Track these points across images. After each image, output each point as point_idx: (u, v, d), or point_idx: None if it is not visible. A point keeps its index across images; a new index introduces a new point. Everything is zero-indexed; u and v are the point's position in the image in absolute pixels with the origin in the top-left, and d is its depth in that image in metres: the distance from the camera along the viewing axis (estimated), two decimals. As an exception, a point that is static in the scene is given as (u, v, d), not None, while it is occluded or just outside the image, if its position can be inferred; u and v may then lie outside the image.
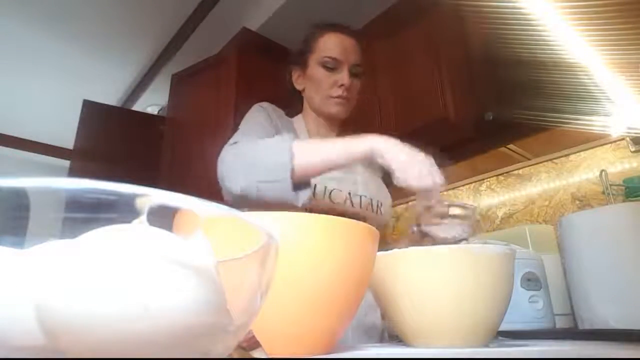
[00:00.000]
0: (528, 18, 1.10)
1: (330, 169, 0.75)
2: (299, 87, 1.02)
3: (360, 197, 0.91)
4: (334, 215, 0.42)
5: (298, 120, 1.02)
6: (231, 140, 0.84)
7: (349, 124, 1.05)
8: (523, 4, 1.09)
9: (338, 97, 0.94)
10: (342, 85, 0.93)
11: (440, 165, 0.75)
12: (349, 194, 0.89)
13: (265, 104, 0.98)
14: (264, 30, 2.06)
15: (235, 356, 0.29)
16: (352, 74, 0.95)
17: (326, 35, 0.97)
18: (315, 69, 0.95)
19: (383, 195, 0.97)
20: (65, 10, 2.11)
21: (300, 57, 1.00)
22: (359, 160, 0.78)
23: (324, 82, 0.94)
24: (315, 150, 0.75)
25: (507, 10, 1.13)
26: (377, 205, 0.94)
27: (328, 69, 0.94)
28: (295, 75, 1.02)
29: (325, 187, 0.86)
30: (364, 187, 0.93)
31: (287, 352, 0.40)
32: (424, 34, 1.59)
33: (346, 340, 0.76)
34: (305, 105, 1.03)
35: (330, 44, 0.96)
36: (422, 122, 1.52)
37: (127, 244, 0.19)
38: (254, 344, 0.35)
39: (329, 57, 0.94)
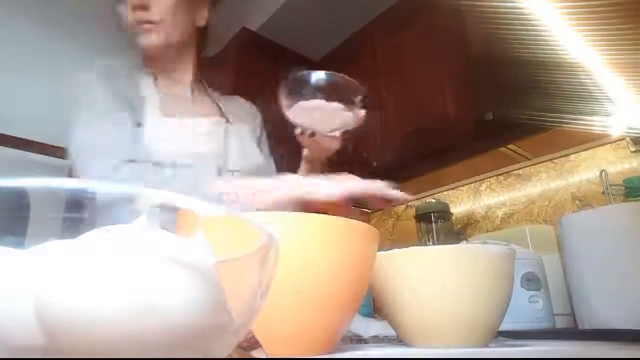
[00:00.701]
0: (528, 18, 1.09)
1: None
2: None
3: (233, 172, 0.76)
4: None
5: (141, 72, 0.84)
6: (97, 168, 0.68)
7: (212, 71, 0.95)
8: (523, 4, 1.09)
9: (138, 23, 0.76)
10: (134, 7, 0.75)
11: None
12: (219, 169, 0.75)
13: (95, 69, 0.79)
14: (264, 30, 2.06)
15: (235, 356, 0.29)
16: None
17: None
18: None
19: (253, 165, 0.81)
20: (65, 10, 2.11)
21: None
22: None
23: (128, 17, 0.78)
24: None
25: (507, 10, 1.13)
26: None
27: (121, 2, 0.78)
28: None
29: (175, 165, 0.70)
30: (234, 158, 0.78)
31: (287, 352, 0.40)
32: (424, 34, 1.59)
33: None
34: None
35: None
36: (422, 122, 1.52)
37: (127, 243, 0.19)
38: (254, 344, 0.35)
39: None
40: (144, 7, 0.74)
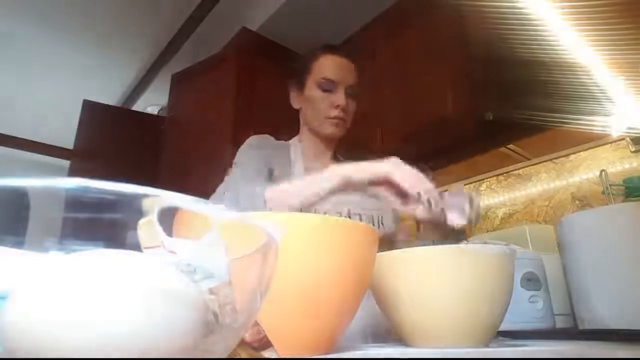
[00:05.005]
0: (529, 18, 1.09)
1: (310, 205, 0.75)
2: (295, 106, 1.03)
3: (360, 215, 0.92)
4: None
5: (294, 143, 1.03)
6: (220, 189, 0.87)
7: (346, 139, 1.05)
8: (523, 4, 1.09)
9: (334, 117, 0.96)
10: (338, 106, 0.95)
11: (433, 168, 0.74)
12: (348, 212, 0.90)
13: (254, 139, 0.98)
14: (264, 30, 2.06)
15: (244, 356, 0.29)
16: (348, 95, 0.96)
17: (322, 56, 0.99)
18: (312, 90, 0.97)
19: (384, 208, 0.97)
20: (65, 10, 2.11)
21: (297, 78, 1.01)
22: (336, 192, 0.75)
23: (321, 103, 0.96)
24: (288, 197, 0.75)
25: (508, 10, 1.13)
26: (379, 220, 0.95)
27: (324, 90, 0.96)
28: (292, 94, 1.03)
29: (316, 210, 0.85)
30: (363, 205, 0.93)
31: (287, 352, 0.40)
32: (425, 34, 1.59)
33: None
34: (302, 124, 1.04)
35: (326, 66, 0.97)
36: (423, 122, 1.52)
37: (112, 270, 0.19)
38: (265, 343, 0.34)
39: (324, 79, 0.96)
40: (343, 109, 0.95)
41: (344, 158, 1.08)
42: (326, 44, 1.02)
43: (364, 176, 0.70)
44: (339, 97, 0.95)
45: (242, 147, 0.97)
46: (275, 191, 0.76)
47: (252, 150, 0.95)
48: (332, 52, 1.00)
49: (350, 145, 1.09)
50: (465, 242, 0.84)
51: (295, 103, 1.03)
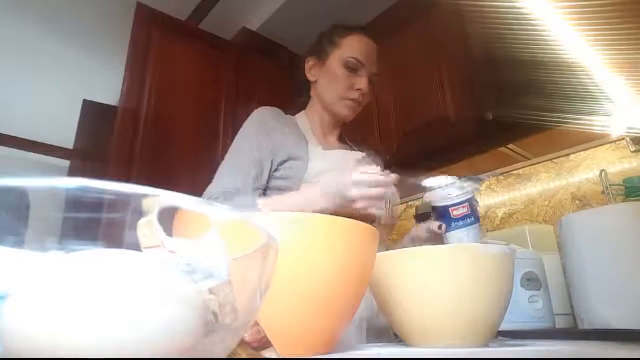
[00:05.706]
0: (528, 18, 1.09)
1: None
2: (311, 77, 0.99)
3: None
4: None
5: (301, 118, 1.00)
6: (212, 189, 0.84)
7: (348, 125, 1.05)
8: (523, 4, 1.09)
9: (352, 100, 0.94)
10: (359, 89, 0.93)
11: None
12: None
13: (263, 111, 0.95)
14: (264, 30, 2.06)
15: (244, 356, 0.29)
16: (369, 81, 0.95)
17: (356, 35, 0.96)
18: (336, 66, 0.94)
19: (393, 195, 0.97)
20: (65, 10, 2.11)
21: (321, 48, 0.98)
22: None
23: (343, 81, 0.93)
24: (276, 208, 0.76)
25: (507, 10, 1.13)
26: (390, 205, 0.94)
27: (350, 70, 0.93)
28: (310, 64, 0.99)
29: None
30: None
31: (287, 352, 0.40)
32: (424, 34, 1.59)
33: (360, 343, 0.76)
34: (314, 97, 1.00)
35: (358, 46, 0.95)
36: (422, 122, 1.52)
37: (101, 271, 0.19)
38: (265, 344, 0.34)
39: (353, 58, 0.93)
40: (363, 94, 0.94)
41: (350, 141, 1.06)
42: (359, 24, 0.99)
43: (332, 208, 0.73)
44: (363, 81, 0.93)
45: (247, 124, 0.93)
46: (267, 202, 0.78)
47: (254, 125, 0.91)
48: (365, 34, 0.97)
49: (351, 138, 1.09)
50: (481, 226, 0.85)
51: (312, 75, 0.99)
